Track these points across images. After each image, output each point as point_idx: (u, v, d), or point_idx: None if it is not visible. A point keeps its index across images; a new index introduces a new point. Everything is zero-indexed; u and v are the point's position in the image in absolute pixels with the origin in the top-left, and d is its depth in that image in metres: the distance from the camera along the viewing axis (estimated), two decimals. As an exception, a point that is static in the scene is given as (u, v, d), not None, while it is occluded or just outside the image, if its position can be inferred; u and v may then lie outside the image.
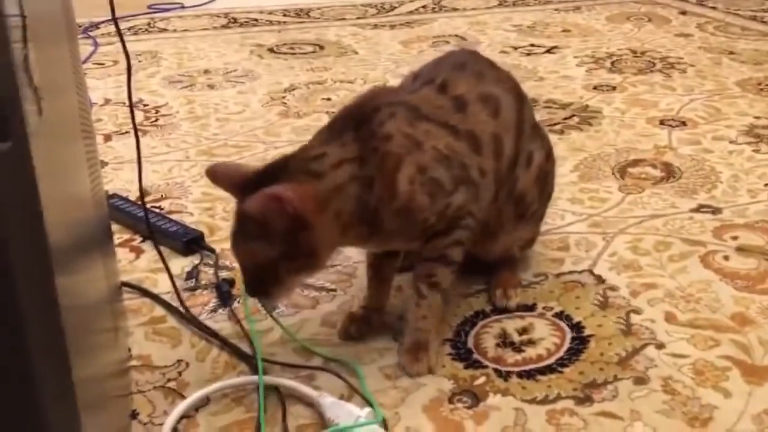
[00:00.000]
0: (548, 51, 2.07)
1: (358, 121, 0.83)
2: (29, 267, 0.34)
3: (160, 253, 0.97)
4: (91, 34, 2.22)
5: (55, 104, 0.52)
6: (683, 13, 2.45)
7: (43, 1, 0.53)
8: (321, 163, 0.80)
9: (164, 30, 2.34)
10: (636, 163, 1.38)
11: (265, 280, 0.80)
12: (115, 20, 0.82)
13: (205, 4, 2.71)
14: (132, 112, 0.88)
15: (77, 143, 0.67)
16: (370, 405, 0.79)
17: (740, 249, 1.09)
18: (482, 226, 0.91)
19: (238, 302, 0.98)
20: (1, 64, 0.33)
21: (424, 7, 2.62)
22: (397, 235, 0.85)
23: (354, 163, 0.80)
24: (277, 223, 0.76)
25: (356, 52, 2.09)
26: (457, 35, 2.25)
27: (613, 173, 1.34)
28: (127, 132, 1.53)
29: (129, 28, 2.32)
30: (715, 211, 1.20)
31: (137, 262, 1.09)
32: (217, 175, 0.84)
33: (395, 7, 2.61)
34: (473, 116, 0.88)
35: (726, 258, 1.07)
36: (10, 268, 0.33)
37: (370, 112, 0.84)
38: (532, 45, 2.13)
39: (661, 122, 1.56)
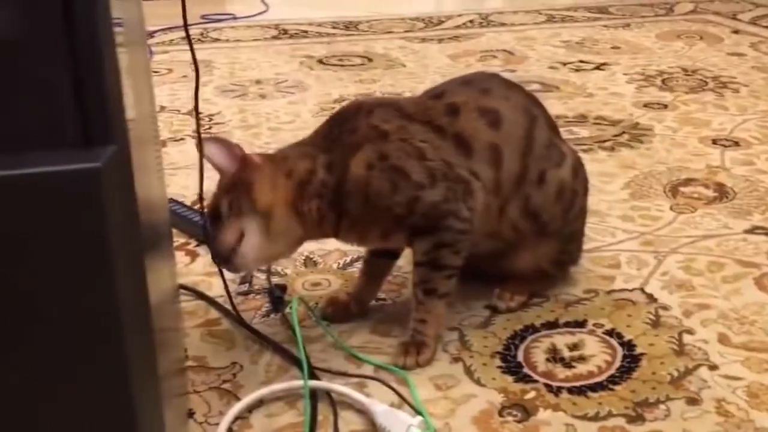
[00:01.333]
0: (597, 67, 2.06)
1: (337, 122, 0.91)
2: (126, 265, 0.36)
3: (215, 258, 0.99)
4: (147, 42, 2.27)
5: (136, 109, 0.54)
6: (736, 32, 2.42)
7: (130, 8, 0.55)
8: (290, 150, 0.92)
9: (217, 40, 2.39)
10: (688, 182, 1.36)
11: (224, 241, 0.86)
12: (187, 33, 0.85)
13: (256, 15, 2.76)
14: (198, 120, 0.91)
15: (150, 147, 0.70)
16: (421, 414, 0.80)
17: (796, 272, 1.07)
18: (496, 239, 0.94)
19: (290, 308, 1.00)
20: (107, 68, 0.35)
21: (471, 21, 2.63)
22: (368, 225, 0.89)
23: (319, 150, 0.89)
24: (226, 165, 0.86)
25: (404, 65, 2.11)
26: (504, 50, 2.25)
27: (664, 192, 1.33)
28: (182, 139, 1.57)
29: (183, 38, 2.37)
30: (770, 232, 1.18)
31: (192, 266, 1.12)
32: (216, 144, 0.91)
33: (443, 21, 2.62)
34: (465, 121, 0.90)
35: (781, 281, 1.05)
36: (111, 266, 0.35)
37: (349, 111, 0.92)
38: (581, 61, 2.12)
39: (714, 142, 1.54)
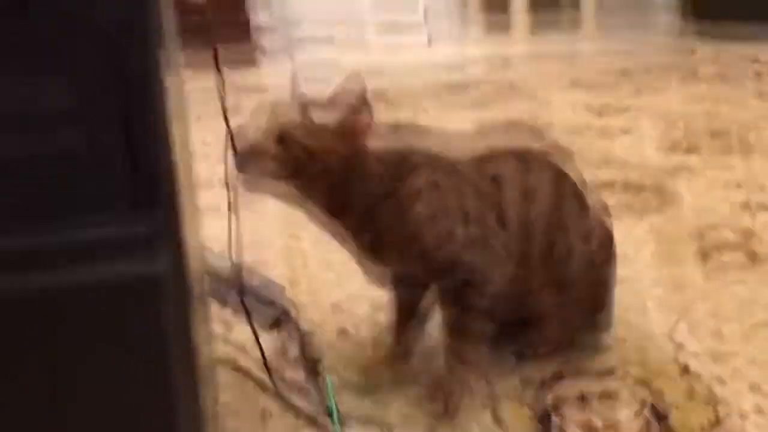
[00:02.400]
0: (623, 131, 2.09)
1: (403, 155, 0.90)
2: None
3: (253, 328, 1.01)
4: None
5: (182, 157, 0.57)
6: (760, 93, 2.44)
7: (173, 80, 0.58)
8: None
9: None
10: (719, 247, 1.36)
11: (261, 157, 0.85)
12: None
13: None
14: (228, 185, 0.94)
15: (191, 194, 0.73)
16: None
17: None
18: (524, 311, 0.96)
19: (327, 377, 1.01)
20: (172, 201, 0.38)
21: (495, 85, 2.68)
22: (390, 243, 0.89)
23: (383, 167, 0.88)
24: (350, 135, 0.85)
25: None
26: (529, 113, 2.29)
27: (695, 258, 1.33)
28: (210, 184, 1.59)
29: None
30: (805, 299, 1.17)
31: (228, 335, 1.14)
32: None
33: (468, 86, 2.68)
34: (506, 193, 0.92)
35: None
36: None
37: (414, 151, 0.90)
38: (606, 125, 2.15)
39: (743, 205, 1.54)
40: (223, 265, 1.26)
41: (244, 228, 1.36)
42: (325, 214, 0.90)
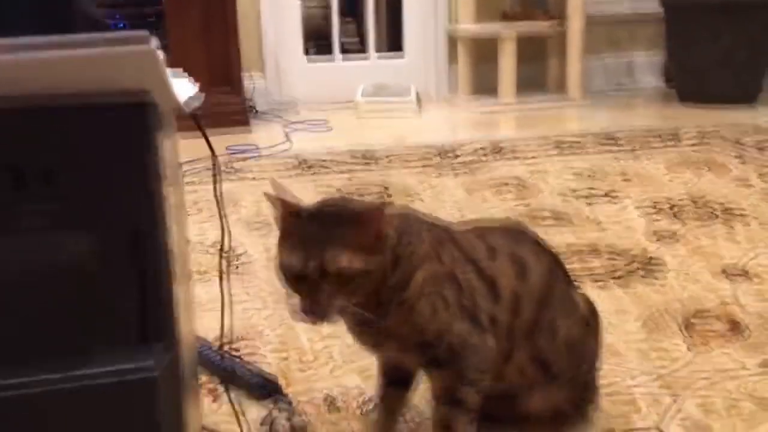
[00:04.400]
0: (609, 198, 2.13)
1: (391, 217, 0.88)
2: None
3: (232, 404, 1.01)
4: (174, 176, 2.39)
5: (176, 249, 0.59)
6: (739, 157, 2.50)
7: (168, 152, 0.61)
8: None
9: (240, 171, 2.51)
10: (702, 316, 1.39)
11: (332, 291, 0.82)
12: (215, 191, 0.91)
13: (279, 145, 2.90)
14: (221, 266, 0.96)
15: (185, 287, 0.74)
16: None
17: (815, 413, 1.08)
18: (505, 383, 0.97)
19: (312, 453, 1.01)
20: (166, 291, 0.40)
21: (483, 149, 2.74)
22: (393, 333, 0.89)
23: (393, 239, 0.87)
24: (377, 234, 0.83)
25: (422, 199, 2.19)
26: (517, 180, 2.34)
27: (679, 327, 1.35)
28: (207, 276, 1.62)
29: (207, 169, 2.48)
30: (786, 370, 1.19)
31: (215, 407, 1.14)
32: (276, 196, 0.88)
33: (456, 150, 2.73)
34: (500, 267, 0.95)
35: (800, 422, 1.06)
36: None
37: (407, 213, 0.93)
38: (591, 191, 2.19)
39: (725, 273, 1.57)
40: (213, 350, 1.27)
41: (237, 318, 1.38)
42: (367, 314, 0.87)
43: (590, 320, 1.02)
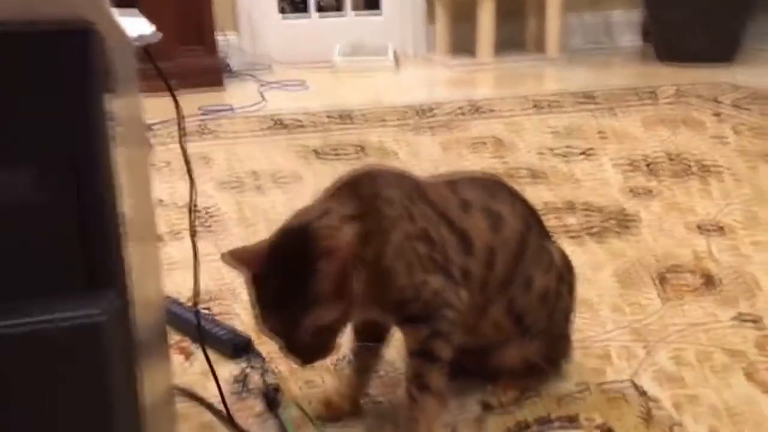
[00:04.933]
0: (584, 155, 2.12)
1: (358, 183, 0.89)
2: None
3: (208, 360, 1.00)
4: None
5: (134, 206, 0.57)
6: (717, 115, 2.50)
7: (127, 106, 0.59)
8: (330, 218, 0.85)
9: (214, 131, 2.47)
10: (675, 270, 1.39)
11: (317, 342, 0.84)
12: (181, 142, 0.88)
13: (254, 106, 2.85)
14: (192, 222, 0.94)
15: (149, 247, 0.72)
16: None
17: (784, 362, 1.09)
18: (480, 337, 0.96)
19: (284, 409, 1.00)
20: (112, 224, 0.38)
21: (461, 108, 2.72)
22: (377, 300, 0.89)
23: (356, 220, 0.85)
24: (339, 275, 0.81)
25: (397, 155, 2.17)
26: (494, 137, 2.32)
27: (653, 280, 1.35)
28: (179, 233, 1.60)
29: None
30: (757, 321, 1.20)
31: (188, 366, 1.13)
32: (234, 259, 0.87)
33: (434, 109, 2.71)
34: (472, 220, 0.93)
35: (770, 371, 1.07)
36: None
37: (374, 176, 0.91)
38: (569, 148, 2.19)
39: (699, 228, 1.58)
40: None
41: (210, 277, 1.37)
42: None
43: (564, 274, 1.02)
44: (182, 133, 0.90)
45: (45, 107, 0.37)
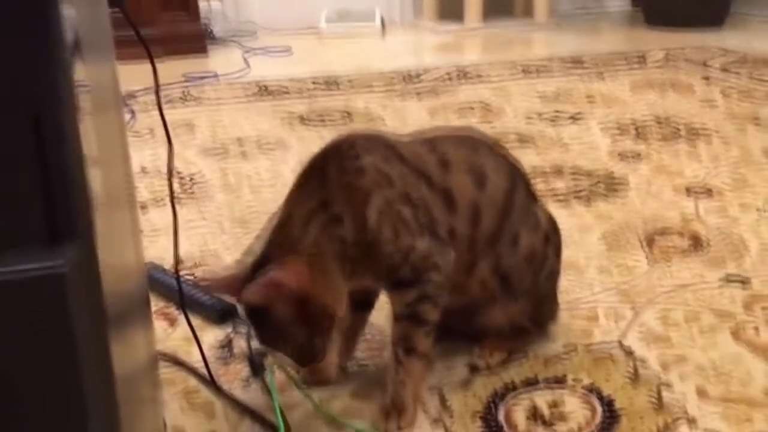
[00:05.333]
0: (573, 119, 2.11)
1: (325, 163, 0.87)
2: (88, 338, 0.37)
3: (191, 326, 0.99)
4: (128, 103, 2.31)
5: (107, 175, 0.55)
6: (706, 78, 2.49)
7: (99, 72, 0.57)
8: (292, 227, 0.85)
9: (198, 98, 2.43)
10: (663, 232, 1.39)
11: (307, 352, 0.86)
12: (160, 109, 0.86)
13: (238, 72, 2.81)
14: (171, 188, 0.92)
15: (125, 213, 0.71)
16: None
17: (771, 321, 1.09)
18: (463, 295, 0.95)
19: (269, 374, 0.99)
20: (75, 172, 0.36)
21: (448, 74, 2.68)
22: (368, 269, 0.88)
23: (320, 210, 0.85)
24: (287, 306, 0.82)
25: (384, 121, 2.14)
26: (482, 103, 2.30)
27: (640, 243, 1.35)
28: (162, 201, 1.58)
29: (164, 97, 2.40)
30: (745, 281, 1.20)
31: (172, 332, 1.12)
32: (215, 287, 0.91)
33: (421, 75, 2.67)
34: (454, 177, 0.92)
35: (756, 330, 1.06)
36: (72, 339, 0.36)
37: (345, 147, 0.89)
38: (557, 113, 2.17)
39: (687, 191, 1.57)
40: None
41: (194, 243, 1.35)
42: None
43: (551, 235, 1.00)
44: (158, 93, 0.88)
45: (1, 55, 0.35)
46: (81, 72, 0.41)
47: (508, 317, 1.00)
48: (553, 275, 1.03)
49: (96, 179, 0.43)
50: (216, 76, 2.76)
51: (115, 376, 0.42)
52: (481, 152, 0.96)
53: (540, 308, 1.02)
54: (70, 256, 0.35)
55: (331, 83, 2.60)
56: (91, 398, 0.38)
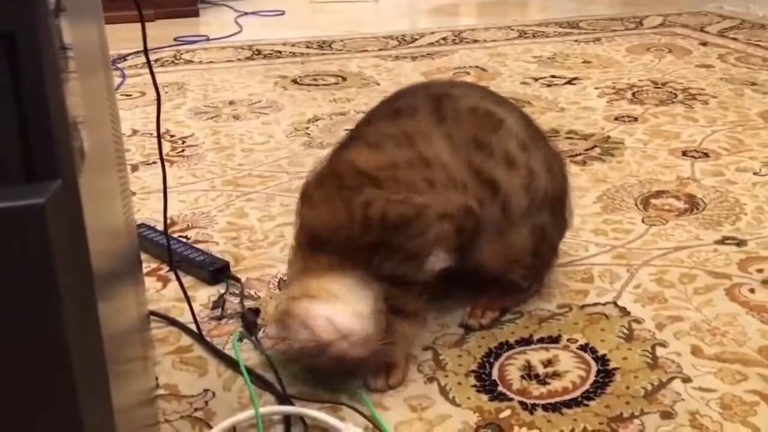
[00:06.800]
0: (569, 82, 2.08)
1: (321, 185, 0.96)
2: (74, 296, 0.36)
3: (181, 284, 0.97)
4: (119, 65, 2.27)
5: (95, 136, 0.54)
6: (704, 44, 2.46)
7: (84, 33, 0.55)
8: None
9: (190, 62, 2.39)
10: (659, 194, 1.38)
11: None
12: (147, 59, 0.84)
13: (230, 36, 2.76)
14: (159, 145, 0.90)
15: (113, 174, 0.69)
16: (395, 437, 0.79)
17: (766, 282, 1.08)
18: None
19: (263, 332, 0.99)
20: (54, 103, 0.34)
21: (444, 38, 2.65)
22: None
23: (320, 251, 0.89)
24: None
25: (378, 84, 2.11)
26: (477, 66, 2.27)
27: (636, 204, 1.34)
28: (154, 162, 1.56)
29: (156, 60, 2.36)
30: (740, 243, 1.19)
31: (164, 291, 1.11)
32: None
33: (416, 39, 2.64)
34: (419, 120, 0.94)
35: (752, 291, 1.06)
36: (57, 298, 0.34)
37: (340, 171, 0.96)
38: (553, 76, 2.14)
39: (684, 153, 1.56)
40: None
41: (186, 204, 1.34)
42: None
43: (554, 167, 1.00)
44: (146, 49, 0.85)
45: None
46: None
47: (503, 254, 0.97)
48: (545, 205, 0.97)
49: (83, 134, 0.41)
50: (207, 38, 2.71)
51: (101, 326, 0.41)
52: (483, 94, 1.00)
53: (539, 246, 0.99)
54: (49, 193, 0.33)
55: (324, 46, 2.56)
56: (74, 348, 0.37)
